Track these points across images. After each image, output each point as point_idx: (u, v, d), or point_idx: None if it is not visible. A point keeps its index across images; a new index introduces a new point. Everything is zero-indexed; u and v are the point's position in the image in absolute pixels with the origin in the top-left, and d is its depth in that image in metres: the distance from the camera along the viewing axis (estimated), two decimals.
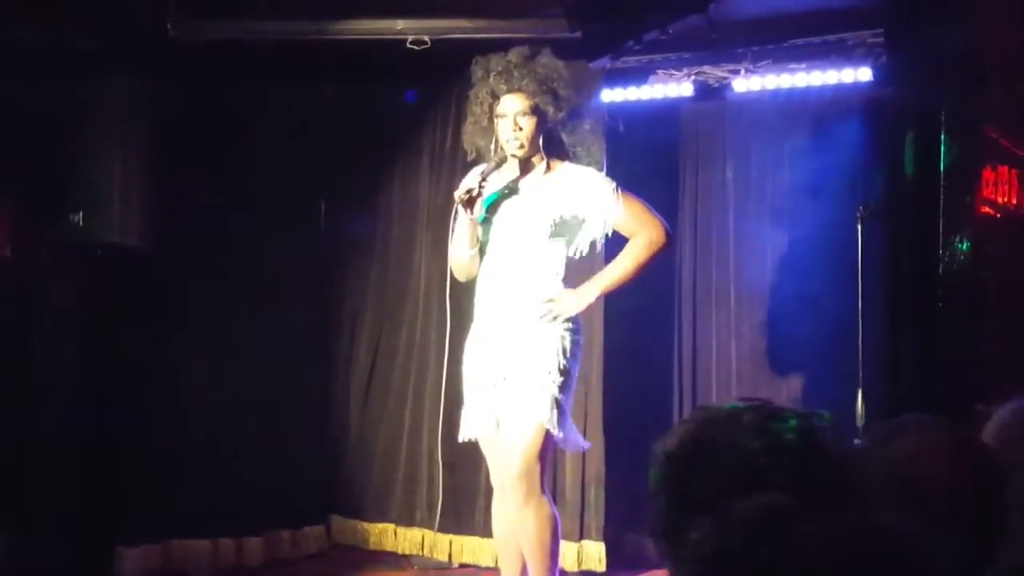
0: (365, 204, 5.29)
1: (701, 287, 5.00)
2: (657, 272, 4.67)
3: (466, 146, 3.45)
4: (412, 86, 5.11)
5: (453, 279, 3.61)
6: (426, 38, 4.27)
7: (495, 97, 3.33)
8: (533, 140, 3.30)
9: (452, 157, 4.94)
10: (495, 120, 3.32)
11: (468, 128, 3.44)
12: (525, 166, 3.35)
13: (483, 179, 3.25)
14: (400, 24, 4.27)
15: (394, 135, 5.22)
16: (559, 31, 4.03)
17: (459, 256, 3.36)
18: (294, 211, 5.09)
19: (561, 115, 3.32)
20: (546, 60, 3.34)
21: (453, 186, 3.46)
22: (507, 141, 3.29)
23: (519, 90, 3.29)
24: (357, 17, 4.31)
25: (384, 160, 5.25)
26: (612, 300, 4.46)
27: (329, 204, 5.26)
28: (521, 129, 3.26)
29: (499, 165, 3.32)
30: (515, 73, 3.29)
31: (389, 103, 5.18)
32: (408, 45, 4.31)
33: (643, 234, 3.31)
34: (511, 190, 3.33)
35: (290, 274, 5.01)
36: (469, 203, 3.25)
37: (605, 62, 4.68)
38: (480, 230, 3.34)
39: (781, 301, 4.78)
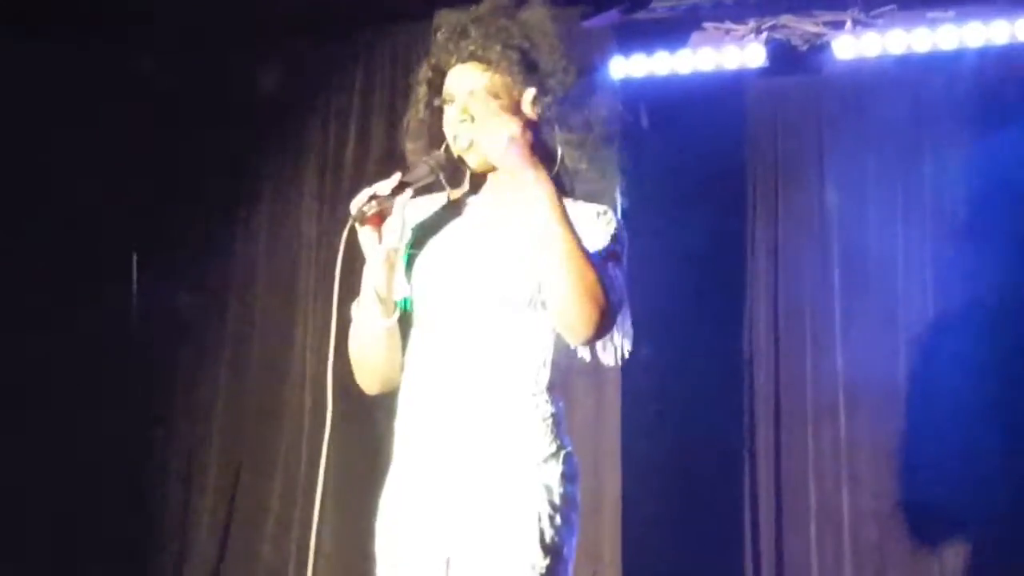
0: (205, 253, 4.65)
1: (788, 395, 4.38)
2: (713, 367, 4.45)
3: (408, 155, 2.78)
4: (289, 59, 4.48)
5: (343, 376, 2.58)
6: None
7: (439, 71, 2.70)
8: None
9: (356, 176, 4.43)
10: (443, 108, 2.70)
11: (407, 125, 2.78)
12: (484, 183, 2.67)
13: (402, 185, 2.53)
14: None
15: (256, 138, 4.59)
16: None
17: (362, 331, 2.59)
18: (84, 268, 4.46)
19: (547, 102, 2.64)
20: (529, 14, 2.71)
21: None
22: (453, 138, 2.60)
23: (473, 58, 2.66)
24: None
25: (238, 180, 4.63)
26: (632, 417, 4.15)
27: (144, 255, 4.61)
28: (473, 119, 2.59)
29: (435, 171, 2.60)
30: (472, 33, 2.67)
31: (249, 80, 4.47)
32: None
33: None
34: (452, 210, 2.68)
35: (73, 375, 4.39)
36: (375, 219, 2.51)
37: (612, 16, 4.25)
38: (403, 282, 2.61)
39: (933, 416, 4.15)
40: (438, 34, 2.74)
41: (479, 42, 2.66)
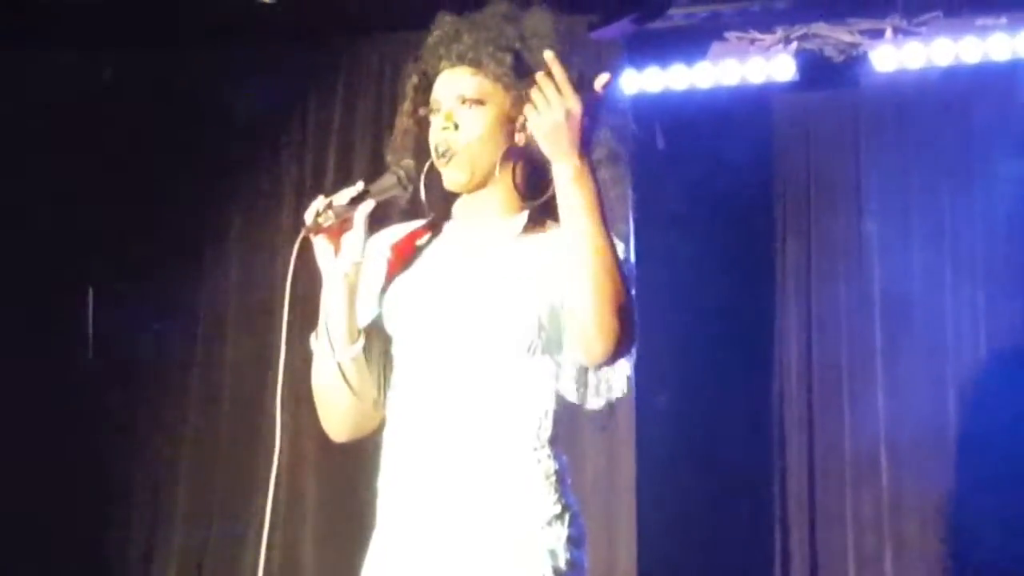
0: (170, 285, 4.40)
1: (823, 449, 4.19)
2: (738, 418, 4.28)
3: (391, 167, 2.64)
4: (262, 71, 4.31)
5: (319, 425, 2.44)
6: None
7: (427, 77, 2.56)
8: (485, 151, 2.42)
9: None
10: (429, 118, 2.52)
11: (394, 137, 2.59)
12: (472, 205, 2.42)
13: (364, 194, 2.33)
14: None
15: (229, 158, 4.37)
16: None
17: (323, 364, 2.40)
18: (36, 301, 4.27)
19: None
20: (529, 19, 2.52)
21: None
22: (435, 146, 2.43)
23: (463, 60, 2.52)
24: None
25: (207, 203, 4.42)
26: (648, 475, 4.05)
27: (102, 288, 4.41)
28: (457, 127, 2.44)
29: (403, 183, 2.36)
30: (465, 37, 2.56)
31: (222, 95, 4.29)
32: None
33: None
34: (431, 234, 2.46)
35: (15, 430, 4.08)
36: (332, 231, 2.35)
37: (623, 26, 4.11)
38: (367, 306, 2.37)
39: (986, 472, 3.94)
40: (430, 37, 2.56)
41: (470, 44, 2.52)
